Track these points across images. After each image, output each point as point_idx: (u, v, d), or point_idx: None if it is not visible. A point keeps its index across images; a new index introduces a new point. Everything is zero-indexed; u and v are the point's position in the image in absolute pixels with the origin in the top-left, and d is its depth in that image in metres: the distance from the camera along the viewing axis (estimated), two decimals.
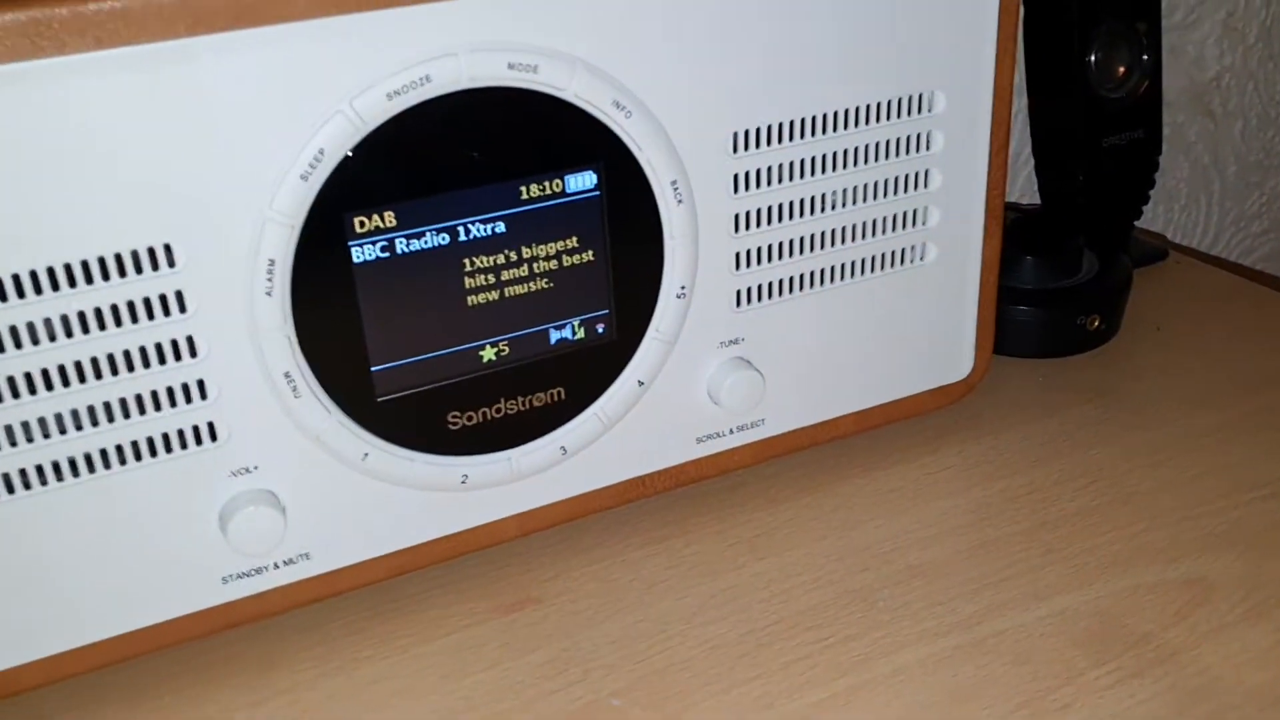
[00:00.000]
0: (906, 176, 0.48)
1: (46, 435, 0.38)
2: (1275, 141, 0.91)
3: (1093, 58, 0.64)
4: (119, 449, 0.39)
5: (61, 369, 0.37)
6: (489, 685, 0.41)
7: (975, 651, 0.42)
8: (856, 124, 0.46)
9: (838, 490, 0.51)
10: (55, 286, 0.36)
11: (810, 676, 0.41)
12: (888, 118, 0.47)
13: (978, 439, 0.54)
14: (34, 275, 0.36)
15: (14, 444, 0.37)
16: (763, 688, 0.41)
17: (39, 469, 0.38)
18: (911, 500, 0.50)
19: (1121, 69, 0.65)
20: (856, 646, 0.42)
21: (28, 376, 0.37)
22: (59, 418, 0.38)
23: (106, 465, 0.39)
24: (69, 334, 0.37)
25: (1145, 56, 0.65)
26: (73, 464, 0.38)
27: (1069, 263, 0.61)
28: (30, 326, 0.36)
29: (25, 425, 0.37)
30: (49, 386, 0.37)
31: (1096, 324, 0.60)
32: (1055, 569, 0.45)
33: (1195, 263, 0.70)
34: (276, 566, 0.43)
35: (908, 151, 0.48)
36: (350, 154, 0.38)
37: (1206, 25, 0.84)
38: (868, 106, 0.46)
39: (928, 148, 0.48)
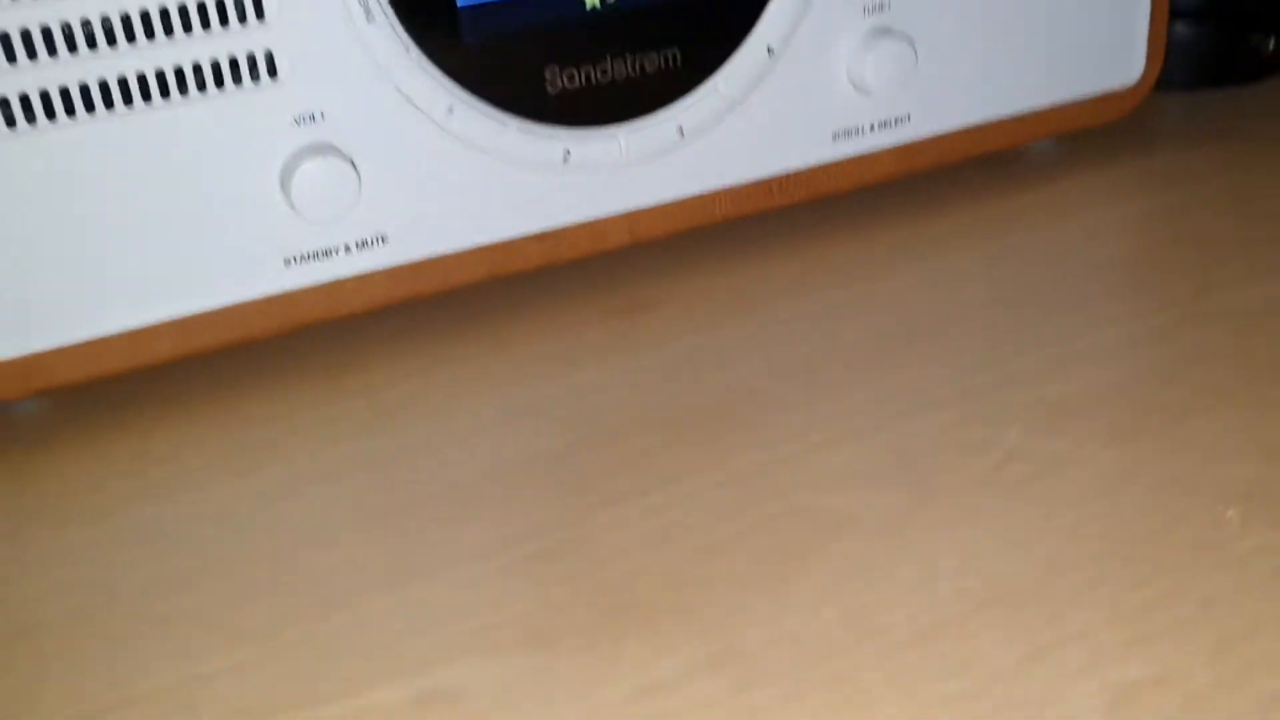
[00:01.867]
0: None
1: (72, 50, 0.31)
2: None
3: None
4: (160, 76, 0.32)
5: None
6: (609, 377, 0.34)
7: (1199, 326, 0.34)
8: None
9: (998, 203, 0.43)
10: None
11: (998, 355, 0.33)
12: None
13: (1152, 155, 0.46)
14: None
15: (52, 54, 0.30)
16: (938, 368, 0.33)
17: (63, 93, 0.31)
18: (1088, 205, 0.42)
19: None
20: (1054, 325, 0.35)
21: None
22: (85, 26, 0.31)
23: (145, 98, 0.32)
24: None
25: None
26: (105, 89, 0.31)
27: None
28: None
29: (66, 28, 0.30)
30: None
31: (1272, 47, 0.52)
32: (1275, 256, 0.38)
33: None
34: (347, 250, 0.36)
35: None
36: None
37: None
38: None
39: None
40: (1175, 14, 0.51)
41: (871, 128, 0.42)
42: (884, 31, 0.40)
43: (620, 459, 0.31)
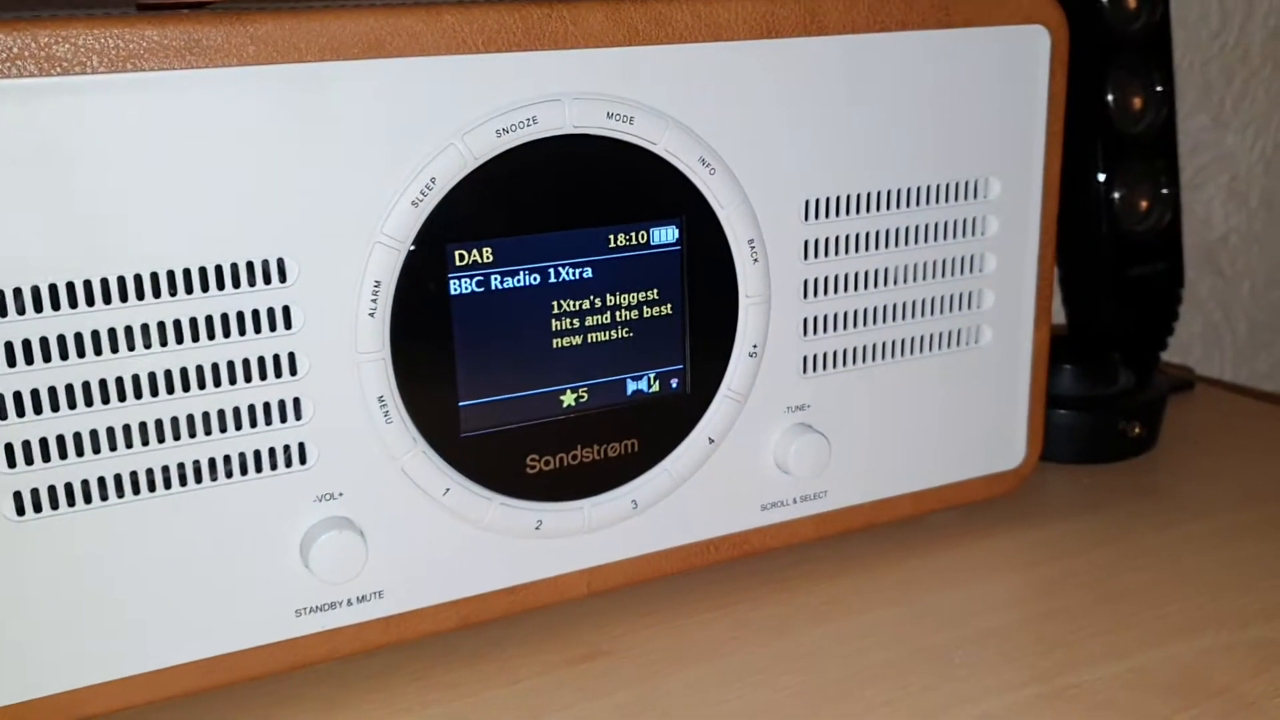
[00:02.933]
0: (963, 258, 0.51)
1: (145, 443, 0.38)
2: None
3: (1117, 194, 0.68)
4: (211, 463, 0.39)
5: (168, 374, 0.38)
6: None
7: (1057, 700, 0.41)
8: (918, 203, 0.49)
9: (901, 566, 0.51)
10: (174, 291, 0.37)
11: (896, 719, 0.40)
12: (947, 199, 0.50)
13: (1031, 528, 0.54)
14: (154, 277, 0.37)
15: (114, 448, 0.38)
16: None
17: (133, 476, 0.38)
18: (976, 575, 0.50)
19: (1144, 203, 0.69)
20: (936, 695, 0.42)
21: (135, 379, 0.38)
22: (159, 424, 0.38)
23: (198, 479, 0.39)
24: (179, 340, 0.38)
25: (1165, 191, 0.69)
26: (165, 474, 0.39)
27: (1107, 372, 0.63)
28: (144, 329, 0.37)
29: (126, 429, 0.38)
30: (154, 393, 0.38)
31: (1137, 430, 0.61)
32: (1127, 633, 0.45)
33: (1220, 391, 0.72)
34: (350, 603, 0.42)
35: (965, 234, 0.50)
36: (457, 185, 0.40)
37: (1212, 187, 0.89)
38: (928, 187, 0.49)
39: (983, 231, 0.51)
40: (1059, 403, 0.61)
41: (794, 500, 0.50)
42: (805, 427, 0.49)
43: None
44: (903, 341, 0.50)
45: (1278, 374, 0.96)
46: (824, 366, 0.49)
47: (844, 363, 0.49)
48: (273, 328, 0.39)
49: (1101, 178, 0.67)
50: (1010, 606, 0.47)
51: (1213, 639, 0.45)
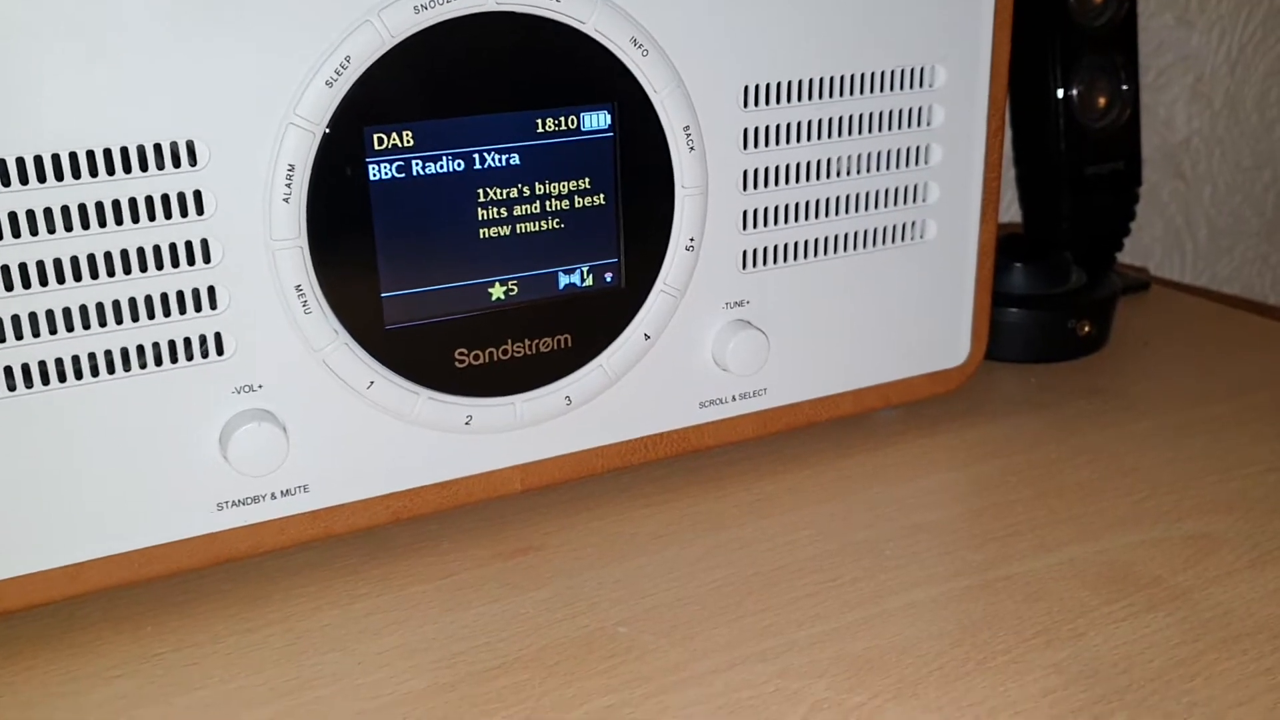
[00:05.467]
0: (908, 149, 0.50)
1: (53, 331, 0.37)
2: (1242, 208, 0.94)
3: (1075, 90, 0.67)
4: (124, 353, 0.38)
5: (74, 261, 0.37)
6: (492, 617, 0.40)
7: (986, 591, 0.41)
8: (861, 91, 0.48)
9: (837, 465, 0.50)
10: (76, 173, 0.36)
11: (819, 611, 0.40)
12: (891, 88, 0.48)
13: (974, 426, 0.54)
14: (55, 159, 0.36)
15: (19, 337, 0.37)
16: (771, 619, 0.40)
17: (41, 366, 0.37)
18: (912, 472, 0.50)
19: (1102, 100, 0.68)
20: (865, 586, 0.41)
21: (39, 266, 0.36)
22: (66, 313, 0.37)
23: (110, 370, 0.38)
24: (85, 225, 0.36)
25: (1125, 87, 0.67)
26: (76, 364, 0.38)
27: (1058, 271, 0.62)
28: (48, 213, 0.36)
29: (33, 317, 0.37)
30: (60, 279, 0.37)
31: (1087, 329, 0.61)
32: (1061, 527, 0.45)
33: (1177, 292, 0.71)
34: (273, 497, 0.42)
35: (910, 124, 0.49)
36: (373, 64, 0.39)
37: (1175, 88, 0.87)
38: (872, 74, 0.48)
39: (929, 123, 0.50)
40: (1008, 301, 0.60)
41: (733, 398, 0.49)
42: (743, 324, 0.48)
43: (494, 695, 0.36)
44: (845, 236, 0.49)
45: (1238, 278, 0.96)
46: (764, 261, 0.48)
47: (784, 258, 0.48)
48: (184, 213, 0.38)
49: (1059, 72, 0.65)
50: (947, 503, 0.47)
51: (1147, 533, 0.45)
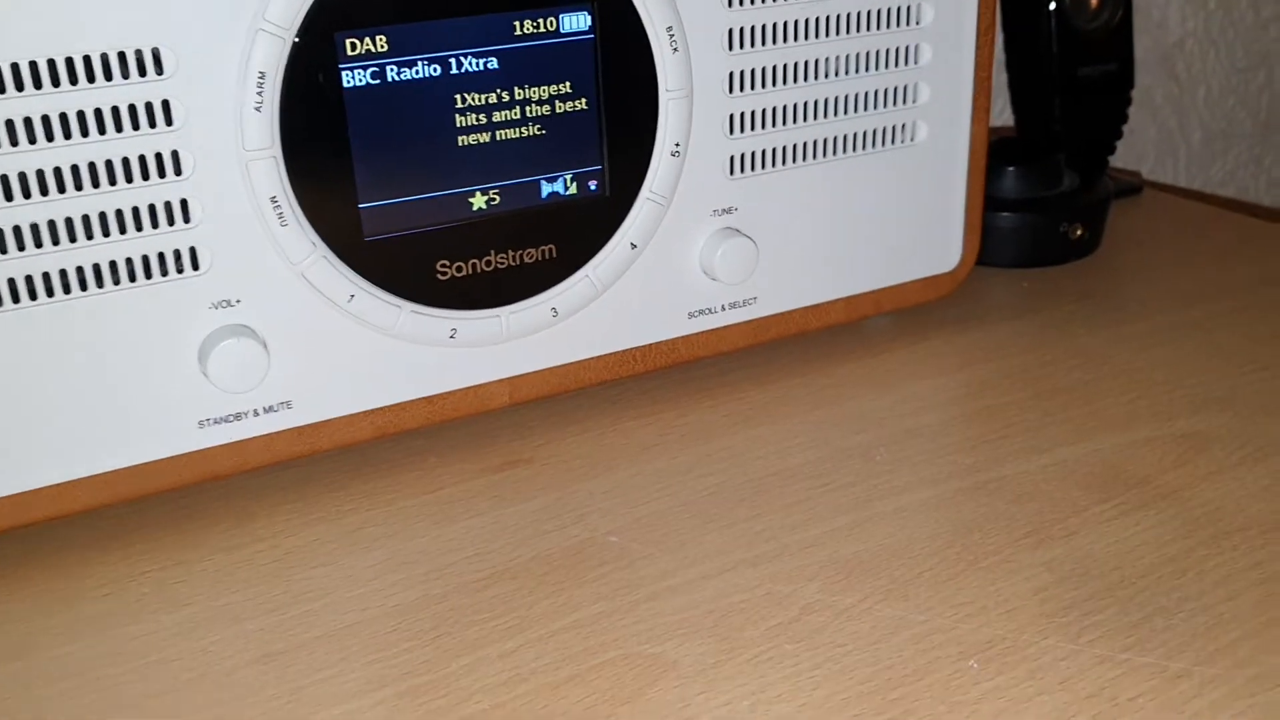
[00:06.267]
0: (897, 49, 0.48)
1: (20, 248, 0.36)
2: (1236, 110, 0.93)
3: None
4: (96, 269, 0.37)
5: (40, 175, 0.36)
6: (481, 529, 0.40)
7: (978, 493, 0.41)
8: None
9: (829, 372, 0.50)
10: (37, 83, 0.35)
11: (811, 514, 0.40)
12: None
13: (965, 331, 0.53)
14: (14, 68, 0.34)
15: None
16: (762, 525, 0.39)
17: (10, 283, 0.36)
18: (904, 378, 0.49)
19: (1094, 1, 0.66)
20: (856, 490, 0.41)
21: (3, 180, 0.35)
22: (34, 228, 0.36)
23: (83, 287, 0.37)
24: (49, 138, 0.35)
25: None
26: (47, 281, 0.37)
27: (1050, 175, 0.61)
28: (9, 125, 0.35)
29: (0, 232, 0.36)
30: (26, 194, 0.36)
31: (1079, 233, 0.60)
32: (1053, 428, 0.45)
33: (1169, 195, 0.70)
34: (256, 414, 0.41)
35: (899, 23, 0.48)
36: None
37: None
38: None
39: (918, 21, 0.48)
40: (1000, 205, 0.59)
41: (723, 307, 0.49)
42: (732, 231, 0.47)
43: (483, 605, 0.36)
44: (834, 140, 0.48)
45: (1232, 182, 0.95)
46: (751, 167, 0.47)
47: (772, 163, 0.47)
48: (152, 124, 0.37)
49: None
50: (938, 407, 0.47)
51: (1139, 433, 0.44)
